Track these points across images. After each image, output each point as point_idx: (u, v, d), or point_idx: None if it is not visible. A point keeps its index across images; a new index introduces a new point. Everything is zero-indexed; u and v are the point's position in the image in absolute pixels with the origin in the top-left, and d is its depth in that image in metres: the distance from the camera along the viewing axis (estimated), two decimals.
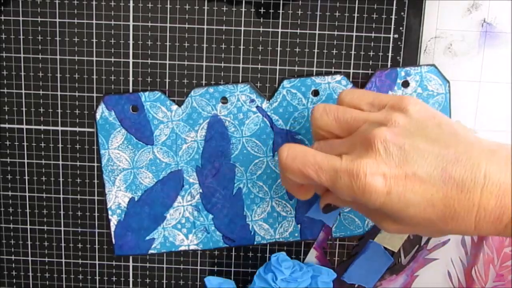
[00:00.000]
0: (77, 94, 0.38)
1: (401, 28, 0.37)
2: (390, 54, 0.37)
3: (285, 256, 0.38)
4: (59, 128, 0.39)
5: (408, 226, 0.30)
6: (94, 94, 0.38)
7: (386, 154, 0.28)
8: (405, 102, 0.30)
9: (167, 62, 0.38)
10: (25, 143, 0.39)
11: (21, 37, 0.38)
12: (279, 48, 0.37)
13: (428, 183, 0.27)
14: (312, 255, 0.40)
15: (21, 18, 0.37)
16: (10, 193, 0.40)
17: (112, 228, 0.40)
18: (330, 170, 0.29)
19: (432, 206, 0.27)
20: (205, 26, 0.37)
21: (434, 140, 0.28)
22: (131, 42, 0.37)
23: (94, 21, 0.37)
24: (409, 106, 0.30)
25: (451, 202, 0.27)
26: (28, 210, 0.40)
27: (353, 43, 0.37)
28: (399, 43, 0.37)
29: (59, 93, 0.38)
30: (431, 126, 0.29)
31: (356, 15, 0.37)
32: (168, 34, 0.37)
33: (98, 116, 0.38)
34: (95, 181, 0.39)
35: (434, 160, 0.27)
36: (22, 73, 0.38)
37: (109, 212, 0.39)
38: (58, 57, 0.38)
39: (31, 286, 0.41)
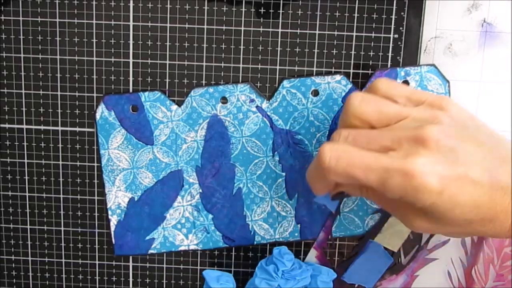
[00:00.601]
0: (77, 94, 0.38)
1: (401, 28, 0.37)
2: (390, 54, 0.37)
3: (287, 250, 0.38)
4: (59, 128, 0.39)
5: (443, 225, 0.29)
6: (94, 94, 0.38)
7: (440, 153, 0.27)
8: (444, 101, 0.30)
9: (167, 62, 0.38)
10: (25, 143, 0.39)
11: (21, 37, 0.38)
12: (279, 48, 0.37)
13: (478, 185, 0.27)
14: (312, 255, 0.40)
15: (21, 18, 0.37)
16: (10, 193, 0.40)
17: (112, 228, 0.40)
18: (380, 169, 0.27)
19: (478, 207, 0.27)
20: (205, 26, 0.37)
21: (479, 142, 0.28)
22: (131, 42, 0.37)
23: (94, 21, 0.37)
24: (449, 106, 0.29)
25: (494, 205, 0.27)
26: (28, 210, 0.40)
27: (353, 43, 0.37)
28: (399, 43, 0.37)
29: (59, 93, 0.38)
30: (472, 127, 0.29)
31: (356, 15, 0.37)
32: (168, 34, 0.37)
33: (98, 116, 0.38)
34: (95, 181, 0.39)
35: (483, 162, 0.27)
36: (22, 73, 0.38)
37: (109, 212, 0.39)
38: (58, 57, 0.38)
39: (31, 286, 0.41)
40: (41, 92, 0.38)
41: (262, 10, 0.37)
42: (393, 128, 0.29)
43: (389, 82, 0.32)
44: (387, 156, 0.28)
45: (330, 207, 0.37)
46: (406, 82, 0.37)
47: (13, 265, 0.41)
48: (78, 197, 0.40)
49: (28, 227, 0.40)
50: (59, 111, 0.39)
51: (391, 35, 0.37)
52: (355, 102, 0.30)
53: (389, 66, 0.37)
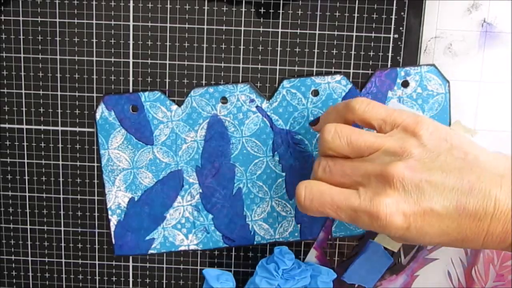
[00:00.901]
0: (77, 94, 0.38)
1: (401, 28, 0.37)
2: (390, 54, 0.37)
3: (288, 250, 0.38)
4: (59, 128, 0.39)
5: (419, 243, 0.31)
6: (94, 94, 0.38)
7: (404, 192, 0.29)
8: (418, 125, 0.30)
9: (167, 62, 0.38)
10: (25, 143, 0.39)
11: (21, 37, 0.38)
12: (279, 48, 0.37)
13: (444, 216, 0.28)
14: (312, 255, 0.40)
15: (21, 18, 0.37)
16: (10, 193, 0.40)
17: (112, 228, 0.40)
18: (348, 210, 0.30)
19: (447, 234, 0.29)
20: (205, 26, 0.37)
21: (448, 170, 0.29)
22: (131, 42, 0.37)
23: (94, 21, 0.37)
24: (422, 130, 0.30)
25: (463, 230, 0.28)
26: (28, 210, 0.40)
27: (353, 43, 0.37)
28: (399, 43, 0.37)
29: (59, 93, 0.38)
30: (444, 153, 0.29)
31: (356, 15, 0.37)
32: (168, 34, 0.37)
33: (98, 116, 0.38)
34: (95, 181, 0.39)
35: (449, 193, 0.28)
36: (22, 73, 0.38)
37: (109, 212, 0.39)
38: (58, 57, 0.38)
39: (31, 286, 0.41)
40: (41, 92, 0.38)
41: (262, 10, 0.37)
42: (364, 160, 0.31)
43: (366, 104, 0.32)
44: (356, 195, 0.30)
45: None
46: (406, 82, 0.37)
47: (13, 265, 0.41)
48: (78, 197, 0.40)
49: (28, 227, 0.40)
50: (59, 111, 0.39)
51: (391, 35, 0.37)
52: (328, 137, 0.32)
53: (389, 66, 0.37)
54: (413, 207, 0.28)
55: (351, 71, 0.37)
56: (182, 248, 0.40)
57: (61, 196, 0.40)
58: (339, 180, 0.31)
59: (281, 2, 0.37)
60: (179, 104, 0.38)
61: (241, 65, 0.37)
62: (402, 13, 0.37)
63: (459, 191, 0.28)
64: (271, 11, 0.37)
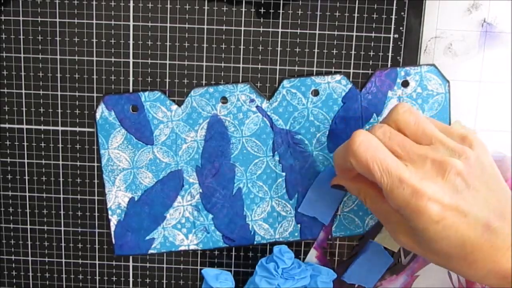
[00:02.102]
0: (77, 94, 0.38)
1: (401, 28, 0.37)
2: (390, 54, 0.37)
3: (287, 249, 0.38)
4: (59, 128, 0.39)
5: (425, 251, 0.31)
6: (94, 94, 0.38)
7: (453, 187, 0.29)
8: (475, 141, 0.31)
9: (167, 62, 0.38)
10: (25, 143, 0.39)
11: (21, 37, 0.38)
12: (279, 48, 0.37)
13: (472, 227, 0.29)
14: (312, 255, 0.40)
15: (21, 18, 0.37)
16: (10, 193, 0.40)
17: (112, 228, 0.40)
18: (395, 177, 0.29)
19: (463, 247, 0.29)
20: (205, 26, 0.37)
21: (492, 190, 0.30)
22: (131, 42, 0.37)
23: (94, 21, 0.37)
24: (478, 147, 0.31)
25: (478, 250, 0.29)
26: (28, 210, 0.40)
27: (353, 43, 0.37)
28: (399, 43, 0.37)
29: (59, 93, 0.38)
30: (490, 174, 0.30)
31: (356, 15, 0.37)
32: (168, 34, 0.37)
33: (98, 116, 0.38)
34: (95, 181, 0.39)
35: (486, 208, 0.29)
36: (22, 73, 0.38)
37: (109, 212, 0.39)
38: (58, 57, 0.38)
39: (31, 286, 0.41)
40: (41, 92, 0.38)
41: (262, 10, 0.37)
42: (423, 147, 0.31)
43: (415, 115, 0.32)
44: (407, 169, 0.30)
45: (321, 219, 0.38)
46: (406, 82, 0.37)
47: (13, 265, 0.41)
48: (78, 197, 0.40)
49: (28, 227, 0.40)
50: (59, 111, 0.39)
51: (391, 35, 0.37)
52: (401, 109, 0.32)
53: (389, 66, 0.37)
54: (454, 203, 0.29)
55: (351, 71, 0.37)
56: (182, 248, 0.40)
57: (61, 196, 0.40)
58: (393, 148, 0.31)
59: (281, 2, 0.37)
60: (179, 104, 0.38)
61: (241, 65, 0.37)
62: (402, 13, 0.37)
63: (492, 212, 0.29)
64: (271, 11, 0.37)
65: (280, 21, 0.37)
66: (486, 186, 0.30)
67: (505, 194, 0.30)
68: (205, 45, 0.37)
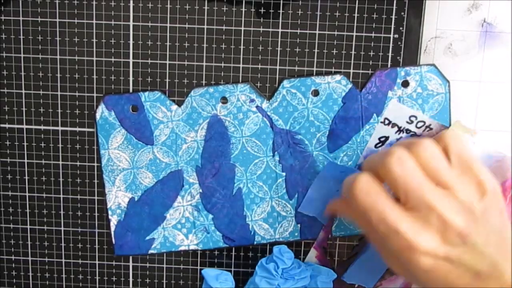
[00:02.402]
0: (77, 94, 0.38)
1: (401, 28, 0.37)
2: (390, 54, 0.37)
3: (287, 249, 0.38)
4: (59, 128, 0.39)
5: (414, 282, 0.32)
6: (94, 94, 0.38)
7: (452, 243, 0.29)
8: (488, 191, 0.30)
9: (167, 62, 0.38)
10: (25, 143, 0.39)
11: (21, 37, 0.38)
12: (279, 48, 0.37)
13: (462, 276, 0.29)
14: (312, 255, 0.40)
15: (21, 18, 0.37)
16: (10, 193, 0.40)
17: (112, 228, 0.40)
18: (392, 228, 0.30)
19: (452, 284, 0.29)
20: (205, 26, 0.37)
21: (491, 245, 0.29)
22: (131, 42, 0.37)
23: (94, 21, 0.37)
24: (489, 196, 0.30)
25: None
26: (28, 210, 0.40)
27: (353, 43, 0.37)
28: (399, 43, 0.37)
29: (59, 93, 0.38)
30: (492, 227, 0.30)
31: (356, 15, 0.37)
32: (168, 34, 0.37)
33: (98, 116, 0.38)
34: (95, 181, 0.39)
35: (480, 261, 0.29)
36: (22, 73, 0.38)
37: (109, 212, 0.39)
38: (58, 57, 0.38)
39: (31, 286, 0.41)
40: (41, 92, 0.38)
41: (262, 10, 0.37)
42: (432, 191, 0.30)
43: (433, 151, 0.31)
44: (406, 220, 0.29)
45: (321, 219, 0.39)
46: (406, 82, 0.37)
47: (13, 265, 0.41)
48: (78, 197, 0.40)
49: (28, 227, 0.40)
50: (59, 111, 0.39)
51: (391, 35, 0.37)
52: (426, 143, 0.31)
53: (389, 66, 0.37)
54: (448, 255, 0.29)
55: (351, 71, 0.37)
56: (182, 248, 0.40)
57: (61, 196, 0.40)
58: (400, 180, 0.30)
59: (281, 2, 0.37)
60: (179, 104, 0.38)
61: (241, 65, 0.37)
62: (402, 13, 0.37)
63: (487, 263, 0.29)
64: (271, 11, 0.37)
65: (280, 21, 0.37)
66: (486, 239, 0.29)
67: (504, 249, 0.30)
68: (205, 45, 0.37)
